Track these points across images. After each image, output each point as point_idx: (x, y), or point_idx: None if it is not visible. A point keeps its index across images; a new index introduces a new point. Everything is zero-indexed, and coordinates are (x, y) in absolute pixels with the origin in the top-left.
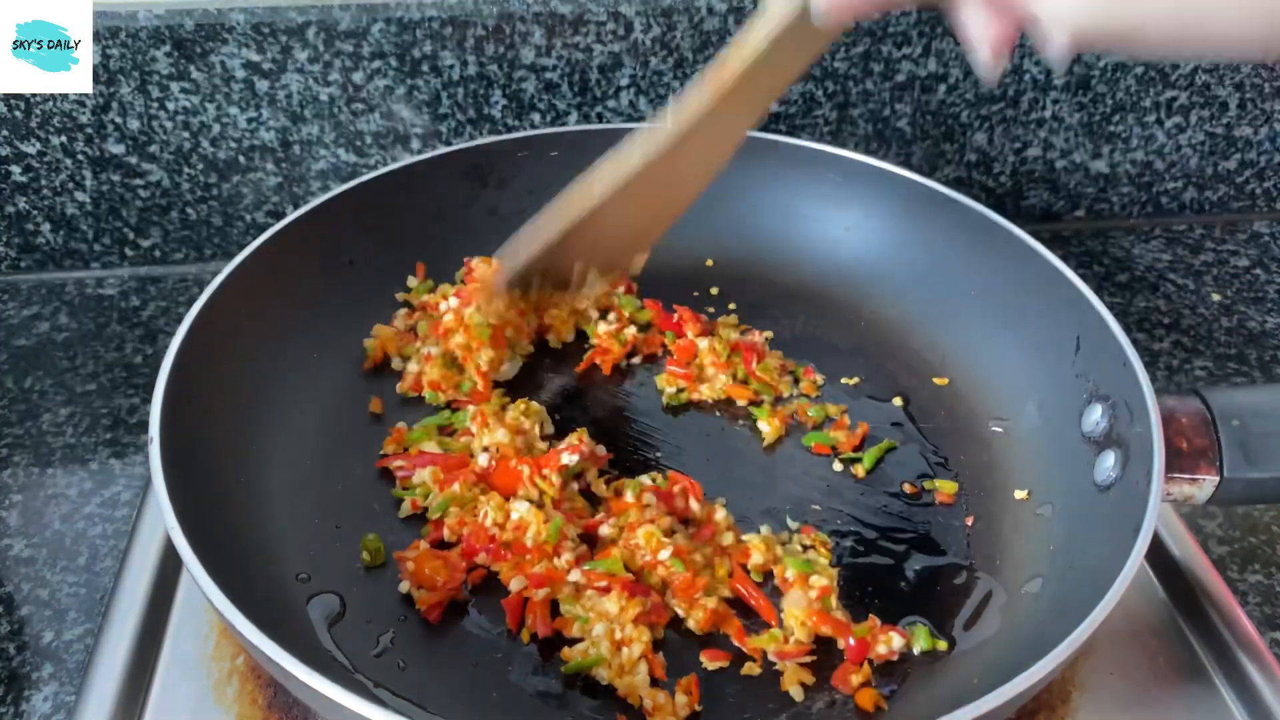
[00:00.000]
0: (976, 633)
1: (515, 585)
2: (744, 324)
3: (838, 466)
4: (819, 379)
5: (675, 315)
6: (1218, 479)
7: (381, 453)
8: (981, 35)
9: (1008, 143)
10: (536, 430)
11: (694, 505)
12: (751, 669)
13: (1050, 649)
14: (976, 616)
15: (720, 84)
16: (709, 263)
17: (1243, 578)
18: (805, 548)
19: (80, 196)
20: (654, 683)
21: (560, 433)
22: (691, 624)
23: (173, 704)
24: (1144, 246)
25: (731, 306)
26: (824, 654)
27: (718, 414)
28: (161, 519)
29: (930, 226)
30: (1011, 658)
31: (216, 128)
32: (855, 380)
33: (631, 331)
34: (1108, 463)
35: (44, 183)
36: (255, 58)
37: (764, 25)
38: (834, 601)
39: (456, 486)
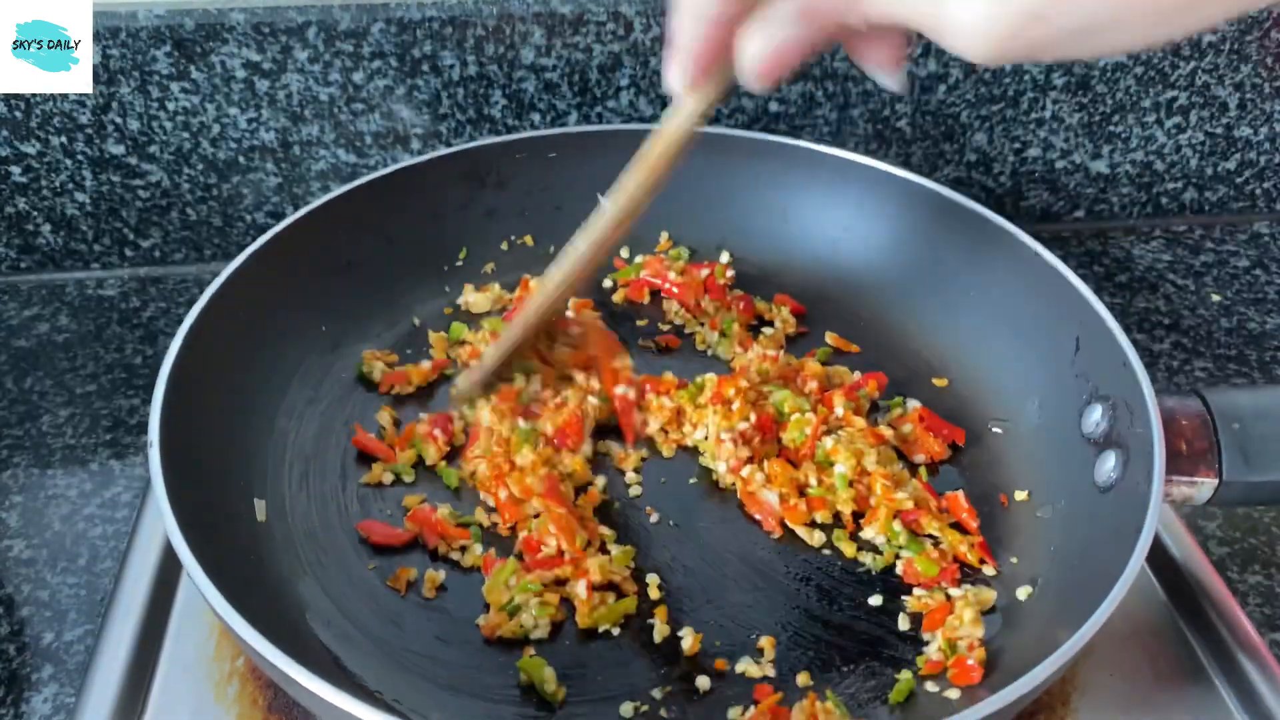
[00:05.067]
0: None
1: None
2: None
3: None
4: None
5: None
6: (1216, 481)
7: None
8: (883, 59)
9: (1007, 143)
10: None
11: None
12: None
13: (1052, 651)
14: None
15: (650, 170)
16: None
17: (1243, 578)
18: None
19: (80, 197)
20: None
21: None
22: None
23: (173, 705)
24: (1144, 247)
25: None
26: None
27: None
28: (162, 521)
29: (929, 227)
30: (1013, 659)
31: (216, 128)
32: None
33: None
34: (1108, 464)
35: (44, 183)
36: (255, 58)
37: (688, 110)
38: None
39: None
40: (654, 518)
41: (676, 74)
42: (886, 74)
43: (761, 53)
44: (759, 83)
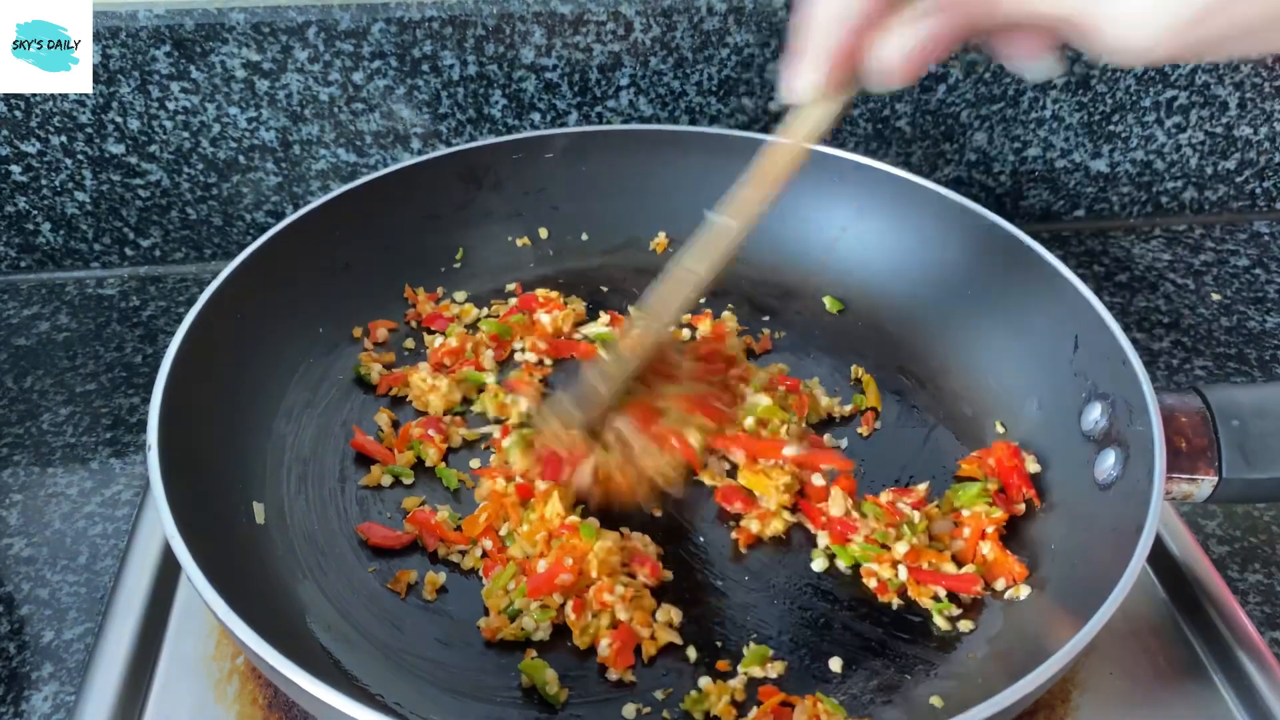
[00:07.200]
0: (979, 633)
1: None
2: (742, 324)
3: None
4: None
5: None
6: (1216, 479)
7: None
8: (1024, 52)
9: (1008, 142)
10: None
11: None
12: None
13: (1054, 650)
14: (978, 616)
15: (771, 185)
16: None
17: (1243, 577)
18: None
19: (80, 196)
20: None
21: None
22: None
23: (173, 703)
24: (1144, 246)
25: (730, 307)
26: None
27: None
28: (161, 522)
29: (928, 227)
30: (1015, 658)
31: (216, 128)
32: (854, 381)
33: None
34: (1108, 461)
35: (44, 183)
36: (255, 58)
37: (815, 118)
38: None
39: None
40: (656, 513)
41: (806, 81)
42: (1029, 67)
43: (903, 49)
44: (898, 80)
